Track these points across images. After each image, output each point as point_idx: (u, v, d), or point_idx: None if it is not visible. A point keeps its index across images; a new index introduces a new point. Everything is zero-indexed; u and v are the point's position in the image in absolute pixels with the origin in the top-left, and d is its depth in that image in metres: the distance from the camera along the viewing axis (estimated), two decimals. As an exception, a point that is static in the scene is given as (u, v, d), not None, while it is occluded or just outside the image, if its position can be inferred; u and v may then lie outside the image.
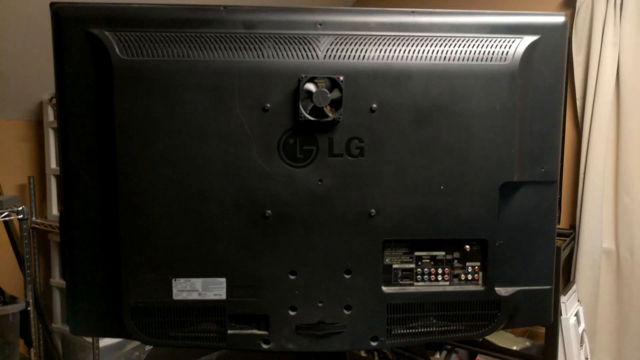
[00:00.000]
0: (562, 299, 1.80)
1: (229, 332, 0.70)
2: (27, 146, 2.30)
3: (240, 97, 0.66)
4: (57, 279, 2.26)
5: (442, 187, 0.70)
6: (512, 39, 0.70)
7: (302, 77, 0.66)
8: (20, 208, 1.74)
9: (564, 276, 2.22)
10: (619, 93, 2.09)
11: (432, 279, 0.73)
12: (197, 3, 0.68)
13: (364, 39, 0.68)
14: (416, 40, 0.69)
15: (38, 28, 1.85)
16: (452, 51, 0.69)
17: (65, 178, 0.68)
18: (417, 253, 0.73)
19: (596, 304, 2.14)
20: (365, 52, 0.68)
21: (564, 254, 2.03)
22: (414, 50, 0.68)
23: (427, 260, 0.73)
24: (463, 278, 0.73)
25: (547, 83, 0.72)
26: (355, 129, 0.68)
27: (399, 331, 0.72)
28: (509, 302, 0.73)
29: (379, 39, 0.68)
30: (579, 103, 2.21)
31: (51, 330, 1.95)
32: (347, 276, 0.71)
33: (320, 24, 0.69)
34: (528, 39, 0.70)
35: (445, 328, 0.73)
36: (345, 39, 0.68)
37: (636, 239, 2.08)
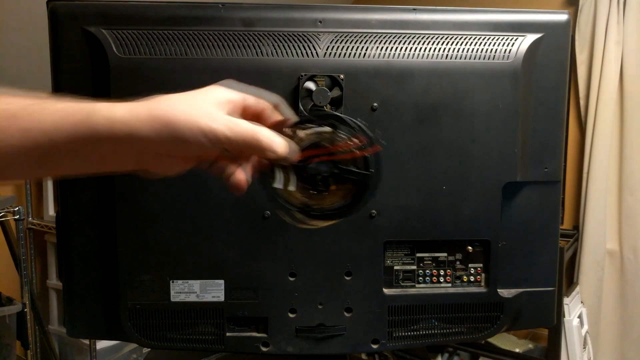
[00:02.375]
0: (565, 300, 1.79)
1: (228, 334, 0.69)
2: (24, 146, 2.29)
3: (238, 95, 0.65)
4: (53, 280, 2.25)
5: (444, 187, 0.69)
6: (515, 37, 0.69)
7: (301, 76, 0.65)
8: (17, 208, 1.74)
9: (567, 277, 2.21)
10: (623, 92, 2.07)
11: (434, 281, 0.72)
12: (195, 0, 0.67)
13: (365, 37, 0.67)
14: (418, 38, 0.68)
15: (34, 26, 1.84)
16: (454, 49, 0.68)
17: (61, 178, 0.68)
18: (418, 254, 0.72)
19: (599, 305, 2.13)
20: (366, 49, 0.67)
21: (567, 255, 2.02)
22: (416, 48, 0.67)
23: (429, 262, 0.72)
24: (465, 280, 0.72)
25: (550, 82, 0.71)
26: (356, 128, 0.67)
27: (400, 334, 0.71)
28: (512, 304, 0.72)
29: (380, 37, 0.67)
30: (582, 102, 2.20)
31: (48, 332, 1.94)
32: (347, 278, 0.70)
33: (321, 22, 0.68)
34: (531, 37, 0.69)
35: (447, 330, 0.72)
36: (345, 37, 0.67)
37: (640, 239, 2.06)
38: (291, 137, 0.41)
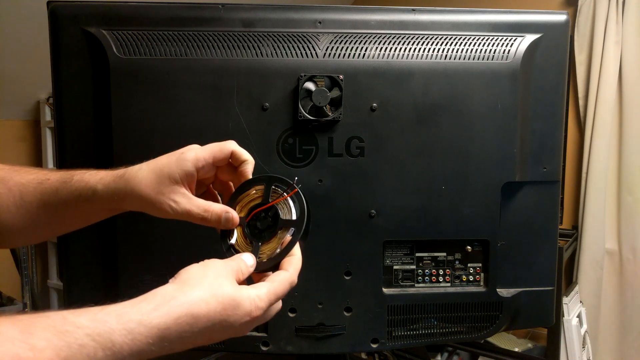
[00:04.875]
0: (565, 300, 1.79)
1: (228, 334, 0.69)
2: (24, 146, 2.29)
3: (238, 96, 0.66)
4: (54, 280, 2.25)
5: (443, 187, 0.69)
6: (514, 38, 0.69)
7: (301, 76, 0.65)
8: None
9: (566, 277, 2.21)
10: (622, 92, 2.08)
11: (433, 280, 0.72)
12: (195, 1, 0.68)
13: (364, 37, 0.67)
14: (417, 39, 0.68)
15: (35, 27, 1.84)
16: (453, 49, 0.68)
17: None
18: (418, 254, 0.72)
19: (599, 305, 2.13)
20: (366, 50, 0.67)
21: (566, 255, 2.02)
22: (415, 49, 0.68)
23: (428, 262, 0.72)
24: (464, 279, 0.73)
25: (549, 82, 0.71)
26: (355, 129, 0.67)
27: (399, 333, 0.71)
28: (511, 304, 0.73)
29: (379, 37, 0.68)
30: (581, 102, 2.20)
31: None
32: (347, 277, 0.70)
33: (320, 22, 0.68)
34: (530, 38, 0.70)
35: (447, 330, 0.73)
36: (345, 37, 0.67)
37: (639, 239, 2.06)
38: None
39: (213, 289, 0.42)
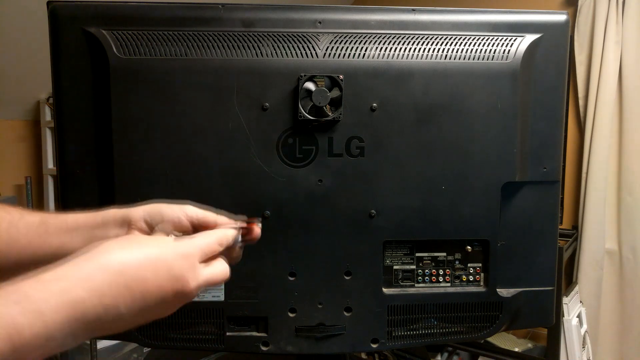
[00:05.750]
0: (565, 300, 1.79)
1: (228, 334, 0.69)
2: (24, 146, 2.29)
3: (238, 96, 0.66)
4: (56, 280, 2.25)
5: (443, 187, 0.69)
6: (514, 38, 0.69)
7: (301, 76, 0.65)
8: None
9: (566, 277, 2.21)
10: (622, 92, 2.08)
11: (433, 280, 0.72)
12: (195, 1, 0.68)
13: (364, 37, 0.67)
14: (417, 39, 0.68)
15: (35, 27, 1.85)
16: (453, 50, 0.68)
17: (62, 178, 0.68)
18: (418, 254, 0.72)
19: (599, 305, 2.13)
20: (366, 50, 0.67)
21: (566, 255, 2.02)
22: (415, 49, 0.68)
23: (428, 262, 0.72)
24: (464, 279, 0.73)
25: (549, 82, 0.71)
26: (355, 129, 0.67)
27: (399, 333, 0.71)
28: (511, 304, 0.73)
29: (379, 37, 0.68)
30: (581, 102, 2.20)
31: (50, 332, 1.94)
32: (347, 277, 0.70)
33: (320, 22, 0.68)
34: (530, 38, 0.70)
35: (447, 330, 0.73)
36: (345, 37, 0.67)
37: (639, 239, 2.07)
38: None
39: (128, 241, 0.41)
